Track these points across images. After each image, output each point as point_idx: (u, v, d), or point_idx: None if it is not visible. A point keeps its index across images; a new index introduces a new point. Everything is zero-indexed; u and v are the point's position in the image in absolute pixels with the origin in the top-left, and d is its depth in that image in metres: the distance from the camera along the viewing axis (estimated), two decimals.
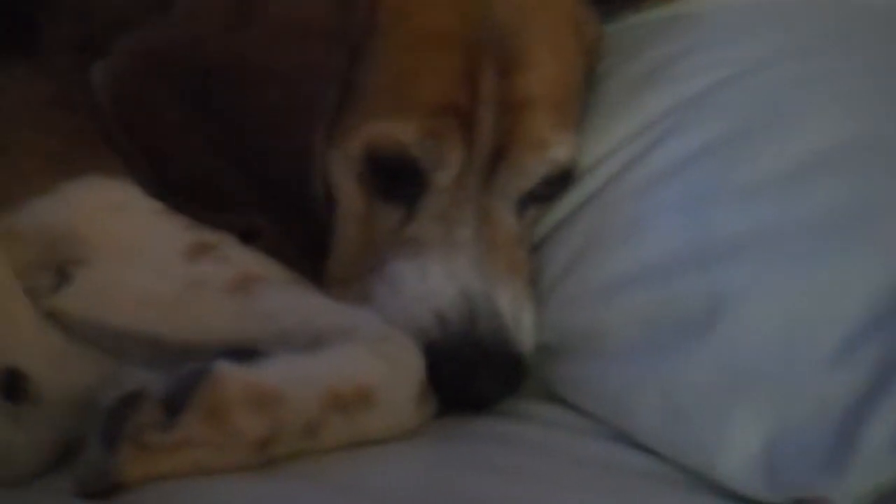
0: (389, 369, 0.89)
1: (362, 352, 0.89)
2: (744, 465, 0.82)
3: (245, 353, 0.88)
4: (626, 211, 0.99)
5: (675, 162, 0.98)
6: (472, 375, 0.95)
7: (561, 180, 1.06)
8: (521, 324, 1.00)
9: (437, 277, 0.98)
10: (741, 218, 0.90)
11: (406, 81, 0.99)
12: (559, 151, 1.04)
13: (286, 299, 0.94)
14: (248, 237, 0.99)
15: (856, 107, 0.95)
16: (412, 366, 0.91)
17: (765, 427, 0.82)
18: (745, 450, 0.82)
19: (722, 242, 0.90)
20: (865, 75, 1.00)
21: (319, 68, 0.98)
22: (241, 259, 0.96)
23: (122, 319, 0.93)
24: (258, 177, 0.99)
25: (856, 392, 0.78)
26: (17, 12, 1.04)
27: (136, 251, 0.95)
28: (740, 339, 0.86)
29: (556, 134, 1.03)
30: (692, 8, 1.17)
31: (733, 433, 0.83)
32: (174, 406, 0.81)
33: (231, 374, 0.83)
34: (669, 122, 1.02)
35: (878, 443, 0.76)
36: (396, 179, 1.01)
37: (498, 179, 1.02)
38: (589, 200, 1.03)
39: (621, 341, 0.94)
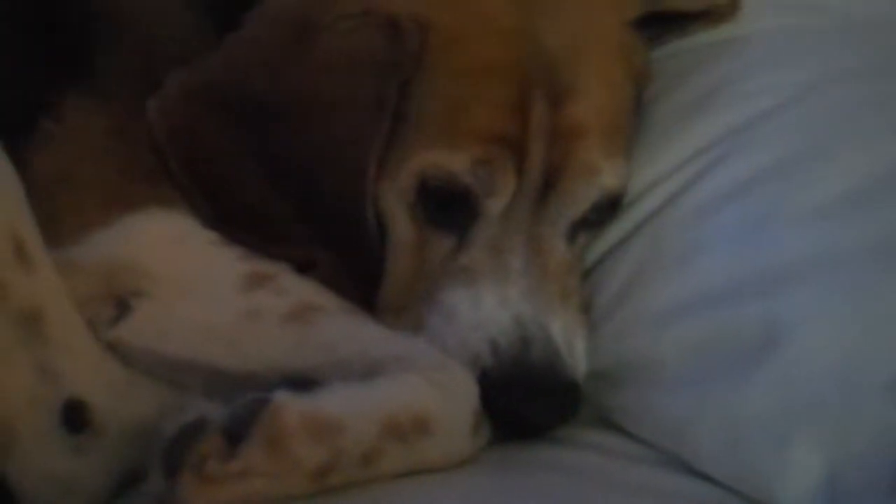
0: (445, 398, 0.90)
1: (418, 381, 0.90)
2: (805, 494, 0.82)
3: (303, 382, 0.89)
4: (679, 238, 0.99)
5: (729, 188, 0.98)
6: (526, 403, 0.96)
7: (610, 206, 1.06)
8: (575, 351, 1.00)
9: (489, 306, 0.98)
10: (797, 244, 0.90)
11: (456, 113, 1.00)
12: (609, 178, 1.04)
13: (342, 329, 0.95)
14: (303, 268, 1.00)
15: None
16: (467, 394, 0.92)
17: (826, 455, 0.81)
18: (807, 478, 0.82)
19: (778, 269, 0.90)
20: None
21: (370, 101, 0.99)
22: (297, 289, 0.97)
23: (182, 350, 0.94)
24: (312, 208, 1.00)
25: None
26: (79, 44, 1.06)
27: (194, 283, 0.96)
28: (799, 366, 0.86)
29: (606, 161, 1.04)
30: (737, 33, 1.17)
31: (794, 461, 0.83)
32: (235, 436, 0.82)
33: (290, 403, 0.84)
34: (720, 148, 1.03)
35: None
36: (448, 209, 1.01)
37: (548, 207, 1.03)
38: (640, 227, 1.04)
39: (678, 369, 0.94)
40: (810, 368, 0.85)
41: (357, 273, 1.01)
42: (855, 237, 0.88)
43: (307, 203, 1.01)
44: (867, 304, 0.85)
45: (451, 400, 0.91)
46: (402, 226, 1.02)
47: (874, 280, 0.85)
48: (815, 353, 0.85)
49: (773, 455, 0.84)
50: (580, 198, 1.04)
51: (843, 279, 0.87)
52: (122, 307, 0.95)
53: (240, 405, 0.84)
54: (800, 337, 0.86)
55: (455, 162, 0.99)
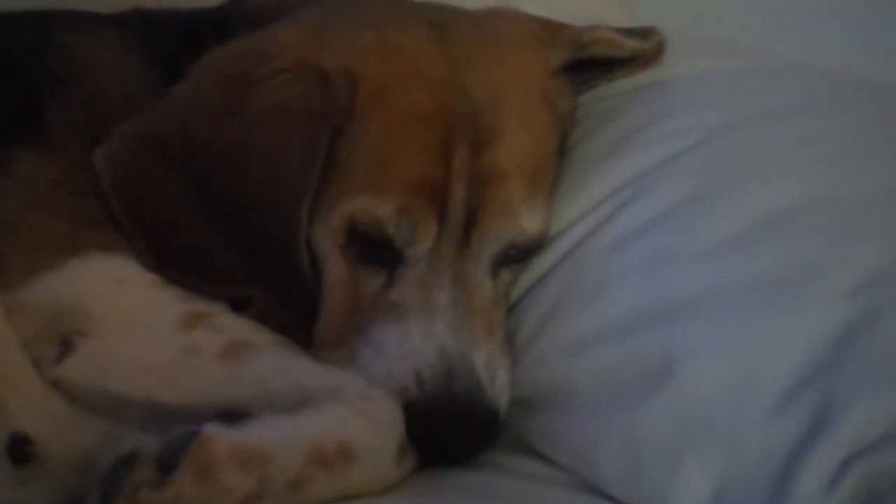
0: (370, 427, 0.95)
1: (344, 410, 0.95)
2: None
3: (235, 415, 0.93)
4: (592, 272, 1.05)
5: (638, 226, 1.04)
6: (449, 431, 1.00)
7: (533, 246, 1.11)
8: (497, 381, 1.04)
9: (416, 339, 1.03)
10: (693, 278, 0.96)
11: (383, 159, 1.05)
12: (530, 220, 1.09)
13: (275, 363, 1.00)
14: (240, 306, 1.05)
15: (801, 173, 1.01)
16: (392, 423, 0.97)
17: (712, 476, 0.87)
18: (695, 498, 0.87)
19: (676, 301, 0.96)
20: (818, 141, 1.06)
21: (301, 148, 1.04)
22: (232, 327, 1.02)
23: (122, 386, 0.99)
24: (249, 250, 1.06)
25: (793, 440, 0.84)
26: (27, 98, 1.11)
27: (134, 322, 1.01)
28: (692, 392, 0.91)
29: (524, 202, 1.09)
30: (662, 76, 1.22)
31: (684, 482, 0.88)
32: (167, 465, 0.87)
33: (219, 434, 0.89)
34: (634, 188, 1.08)
35: (811, 489, 0.81)
36: (376, 249, 1.06)
37: (471, 246, 1.08)
38: (560, 262, 1.09)
39: (588, 396, 0.99)
40: (701, 394, 0.90)
41: (293, 310, 1.06)
42: (743, 272, 0.94)
43: (244, 245, 1.06)
44: (752, 335, 0.90)
45: (377, 428, 0.95)
46: (334, 265, 1.07)
47: (759, 312, 0.91)
48: (705, 381, 0.90)
49: (666, 476, 0.89)
50: (499, 235, 1.08)
51: (731, 311, 0.92)
52: (66, 346, 0.99)
53: (172, 437, 0.89)
54: (692, 365, 0.92)
55: (380, 209, 1.04)
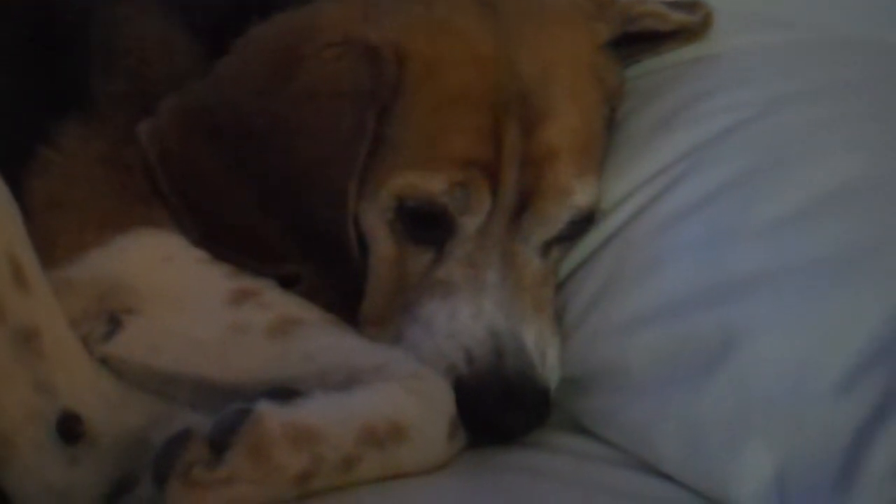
0: (421, 405, 0.94)
1: (395, 389, 0.94)
2: (756, 493, 0.86)
3: (286, 392, 0.93)
4: (645, 250, 1.03)
5: (692, 202, 1.02)
6: (500, 409, 0.99)
7: (584, 221, 1.10)
8: (547, 359, 1.04)
9: (465, 317, 1.02)
10: (752, 256, 0.94)
11: (433, 138, 1.04)
12: (581, 197, 1.08)
13: (324, 341, 1.00)
14: (287, 282, 1.04)
15: (863, 147, 0.99)
16: (443, 401, 0.96)
17: (776, 456, 0.85)
18: (758, 478, 0.86)
19: (735, 279, 0.94)
20: (873, 118, 1.04)
21: (349, 126, 1.03)
22: (281, 304, 1.01)
23: (171, 364, 0.98)
24: (296, 227, 1.05)
25: (860, 420, 0.82)
26: (73, 72, 1.10)
27: (182, 299, 1.00)
28: (752, 371, 0.90)
29: (579, 181, 1.08)
30: (709, 51, 1.21)
31: (746, 462, 0.87)
32: (220, 444, 0.86)
33: (272, 413, 0.88)
34: (686, 163, 1.06)
35: (880, 469, 0.80)
36: (425, 226, 1.05)
37: (522, 226, 1.07)
38: (610, 240, 1.08)
39: (642, 375, 0.98)
40: (763, 374, 0.89)
41: (340, 287, 1.06)
42: (806, 250, 0.92)
43: (292, 222, 1.05)
44: (816, 313, 0.89)
45: (427, 407, 0.95)
46: (382, 242, 1.07)
47: (823, 290, 0.89)
48: (767, 359, 0.89)
49: (727, 456, 0.88)
50: (553, 218, 1.08)
51: (794, 289, 0.90)
52: (114, 323, 0.99)
53: (224, 415, 0.88)
54: (754, 344, 0.90)
55: (432, 184, 1.03)
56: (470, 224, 1.05)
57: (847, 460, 0.81)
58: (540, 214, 1.07)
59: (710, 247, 0.97)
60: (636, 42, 1.21)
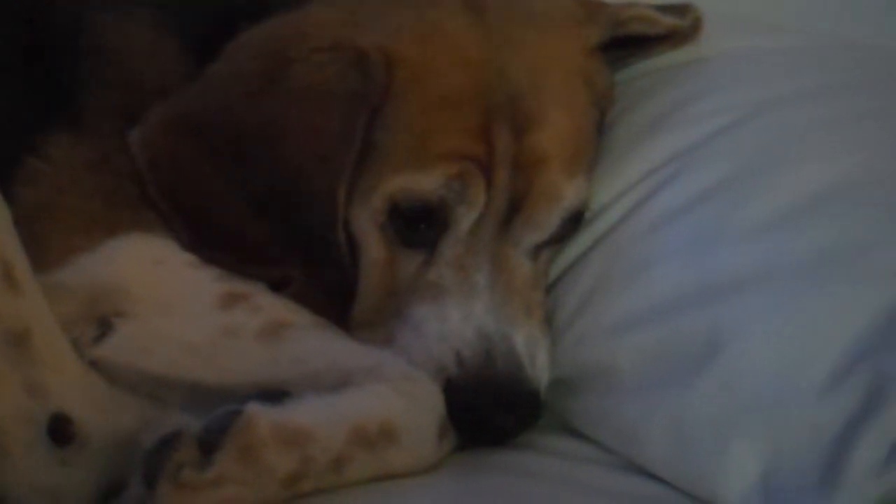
0: (411, 407, 0.95)
1: (385, 390, 0.95)
2: (743, 492, 0.86)
3: (277, 394, 0.93)
4: (633, 252, 1.04)
5: (680, 204, 1.03)
6: (490, 411, 1.00)
7: (572, 221, 1.10)
8: (537, 361, 1.04)
9: (455, 319, 1.03)
10: (738, 258, 0.95)
11: (424, 140, 1.04)
12: (570, 200, 1.09)
13: (315, 343, 1.00)
14: (278, 286, 1.04)
15: (850, 150, 1.00)
16: (433, 403, 0.97)
17: (761, 455, 0.86)
18: (744, 477, 0.86)
19: (722, 281, 0.95)
20: (860, 121, 1.04)
21: (338, 129, 1.04)
22: (271, 307, 1.02)
23: (161, 366, 0.99)
24: (286, 230, 1.05)
25: (844, 419, 0.83)
26: (62, 79, 1.10)
27: (173, 302, 1.01)
28: (739, 372, 0.90)
29: (569, 186, 1.08)
30: (699, 54, 1.21)
31: (733, 461, 0.87)
32: (209, 445, 0.87)
33: (261, 414, 0.88)
34: (674, 166, 1.07)
35: (864, 467, 0.80)
36: (418, 227, 1.06)
37: (513, 230, 1.07)
38: (599, 242, 1.08)
39: (631, 376, 0.98)
40: (749, 374, 0.89)
41: (330, 291, 1.06)
42: (791, 251, 0.93)
43: (282, 226, 1.05)
44: (801, 314, 0.89)
45: (418, 408, 0.95)
46: (373, 246, 1.07)
47: (808, 291, 0.90)
48: (753, 360, 0.90)
49: (713, 455, 0.89)
50: (544, 224, 1.08)
51: (780, 290, 0.91)
52: (105, 326, 0.99)
53: (213, 417, 0.89)
54: (740, 345, 0.91)
55: (426, 182, 1.04)
56: (466, 217, 1.05)
57: (831, 459, 0.82)
58: (531, 220, 1.07)
59: (697, 249, 0.98)
60: (626, 46, 1.22)
